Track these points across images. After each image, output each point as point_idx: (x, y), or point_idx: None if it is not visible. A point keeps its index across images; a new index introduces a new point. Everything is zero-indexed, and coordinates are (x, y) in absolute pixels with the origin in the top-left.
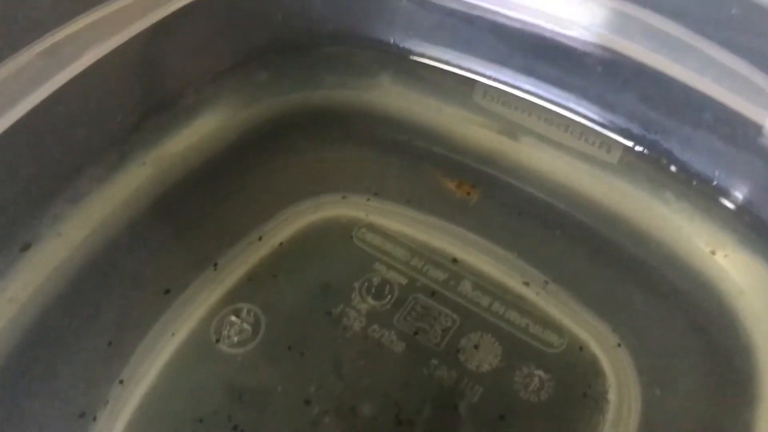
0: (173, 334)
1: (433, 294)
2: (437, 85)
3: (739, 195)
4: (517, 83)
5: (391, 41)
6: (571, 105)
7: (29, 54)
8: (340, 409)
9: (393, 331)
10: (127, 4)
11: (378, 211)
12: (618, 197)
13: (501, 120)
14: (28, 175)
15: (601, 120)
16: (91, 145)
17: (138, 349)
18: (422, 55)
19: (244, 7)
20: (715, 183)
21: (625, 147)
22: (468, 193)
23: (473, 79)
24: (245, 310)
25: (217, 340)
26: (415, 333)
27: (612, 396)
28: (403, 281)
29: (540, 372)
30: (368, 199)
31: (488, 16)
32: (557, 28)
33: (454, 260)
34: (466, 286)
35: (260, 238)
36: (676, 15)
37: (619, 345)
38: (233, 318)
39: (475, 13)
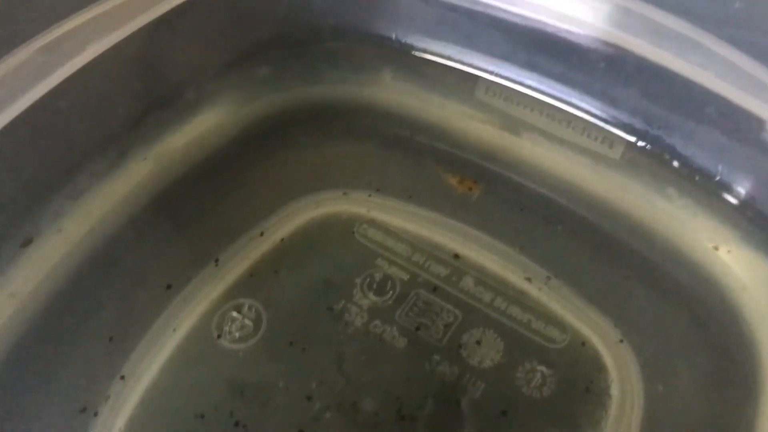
0: (174, 330)
1: (435, 290)
2: (439, 81)
3: (742, 190)
4: (519, 79)
5: (393, 37)
6: (574, 100)
7: (30, 49)
8: (341, 405)
9: (395, 326)
10: (128, 0)
11: (380, 207)
12: (620, 193)
13: (503, 116)
14: (28, 170)
15: (603, 115)
16: (92, 140)
17: (139, 345)
18: (424, 51)
19: (245, 3)
20: (718, 178)
21: (628, 142)
22: (470, 189)
23: (475, 75)
24: (247, 306)
25: (219, 336)
26: (417, 329)
27: (614, 391)
28: (405, 277)
29: (542, 368)
30: (370, 195)
31: (490, 11)
32: (560, 24)
33: (456, 256)
34: (468, 282)
35: (262, 234)
36: (679, 10)
37: (621, 341)
38: (235, 314)
39: (478, 8)
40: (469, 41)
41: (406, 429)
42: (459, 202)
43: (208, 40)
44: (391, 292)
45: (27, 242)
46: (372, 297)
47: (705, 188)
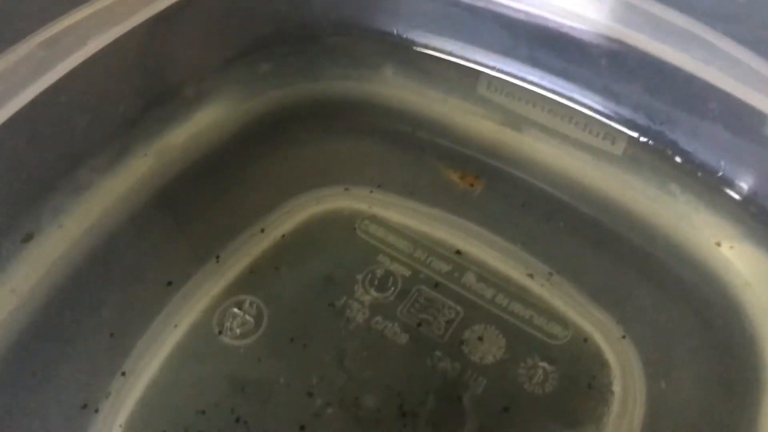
0: (175, 326)
1: (436, 286)
2: (441, 77)
3: (744, 186)
4: (521, 74)
5: (395, 32)
6: (576, 96)
7: (30, 44)
8: (343, 401)
9: (396, 322)
10: None
11: (381, 203)
12: (622, 189)
13: (505, 111)
14: (28, 166)
15: (605, 111)
16: (93, 136)
17: (140, 341)
18: (426, 46)
19: None
20: (720, 174)
21: (630, 138)
22: (471, 185)
23: (477, 70)
24: (248, 302)
25: (220, 332)
26: (419, 325)
27: (617, 388)
28: (407, 273)
29: (544, 364)
30: (371, 191)
31: (492, 6)
32: (562, 19)
33: (458, 252)
34: (469, 278)
35: (263, 230)
36: (682, 5)
37: (623, 337)
38: (236, 310)
39: (479, 3)
40: (471, 37)
41: (407, 425)
42: (461, 198)
43: (208, 36)
44: (392, 288)
45: (27, 238)
46: (373, 293)
47: (707, 184)
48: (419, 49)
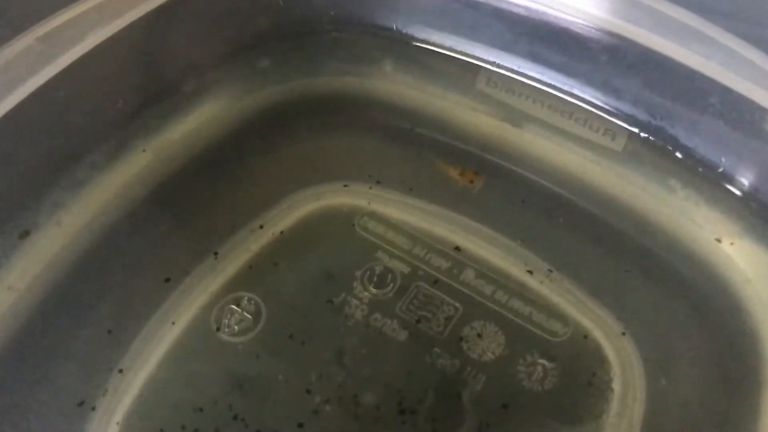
0: (173, 323)
1: (435, 282)
2: (440, 72)
3: (745, 181)
4: (521, 69)
5: (394, 27)
6: (576, 91)
7: (29, 39)
8: (341, 398)
9: (395, 319)
10: None
11: (380, 200)
12: (622, 185)
13: (505, 107)
14: (26, 161)
15: (606, 106)
16: (91, 131)
17: (138, 338)
18: (425, 41)
19: None
20: (721, 169)
21: (630, 133)
22: (471, 181)
23: (477, 66)
24: (246, 299)
25: (218, 329)
26: (418, 321)
27: (617, 385)
28: (406, 270)
29: (544, 361)
30: (370, 187)
31: (492, 1)
32: (562, 14)
33: (457, 248)
34: (468, 275)
35: (261, 227)
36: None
37: (623, 333)
38: (234, 307)
39: None
40: (471, 32)
41: (406, 422)
42: (460, 194)
43: (207, 31)
44: (391, 284)
45: (25, 234)
46: (372, 290)
47: (708, 180)
48: (419, 44)
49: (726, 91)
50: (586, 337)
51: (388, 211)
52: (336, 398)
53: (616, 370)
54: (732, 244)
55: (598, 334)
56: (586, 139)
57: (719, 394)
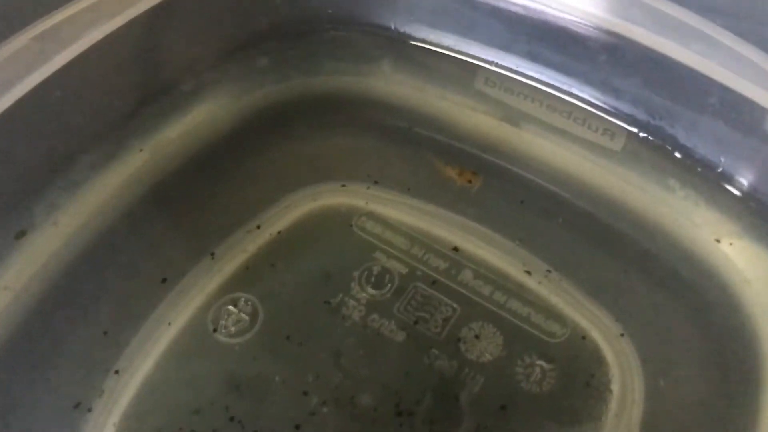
0: (170, 324)
1: (433, 283)
2: (438, 71)
3: (744, 181)
4: (519, 69)
5: (392, 26)
6: (575, 91)
7: (25, 38)
8: (339, 400)
9: (393, 320)
10: None
11: (378, 200)
12: (621, 184)
13: (503, 106)
14: (23, 161)
15: (604, 106)
16: (88, 131)
17: (134, 339)
18: (423, 41)
19: None
20: (720, 169)
21: (629, 133)
22: (469, 181)
23: (475, 65)
24: (243, 300)
25: (215, 330)
26: (416, 322)
27: (615, 386)
28: (404, 270)
29: (542, 362)
30: (368, 187)
31: (491, 0)
32: (560, 13)
33: (455, 249)
34: (467, 275)
35: (258, 227)
36: None
37: (622, 335)
38: (231, 307)
39: None
40: (469, 31)
41: (403, 424)
42: (458, 194)
43: (205, 31)
44: (389, 285)
45: (21, 234)
46: (370, 290)
47: (707, 180)
48: (417, 43)
49: (726, 90)
50: (584, 338)
51: (386, 211)
52: (333, 399)
53: (614, 371)
54: (731, 244)
55: (596, 334)
56: (585, 139)
57: (718, 394)
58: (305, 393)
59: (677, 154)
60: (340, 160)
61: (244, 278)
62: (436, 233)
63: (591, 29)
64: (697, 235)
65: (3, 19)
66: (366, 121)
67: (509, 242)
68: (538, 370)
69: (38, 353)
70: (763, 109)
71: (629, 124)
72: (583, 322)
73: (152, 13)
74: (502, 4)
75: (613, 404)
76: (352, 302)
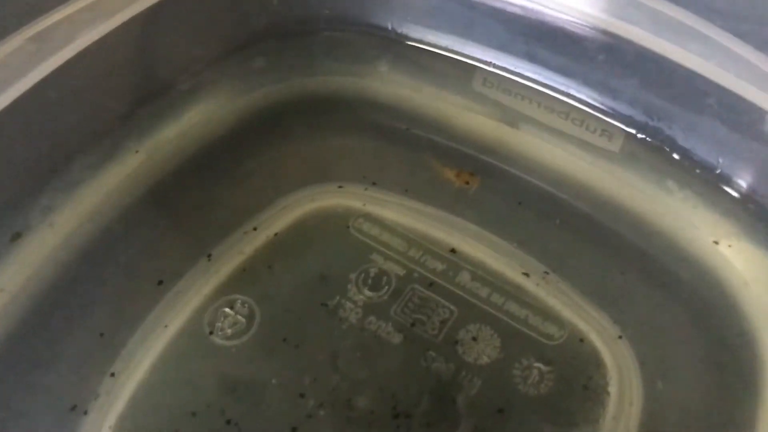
0: (166, 326)
1: (431, 285)
2: (436, 72)
3: (743, 183)
4: (517, 69)
5: (389, 26)
6: (572, 92)
7: (20, 38)
8: (335, 402)
9: (390, 322)
10: None
11: (375, 201)
12: (619, 186)
13: (501, 107)
14: (18, 163)
15: (602, 107)
16: (84, 131)
17: (130, 342)
18: (420, 41)
19: None
20: (718, 171)
21: (627, 134)
22: (467, 183)
23: (473, 66)
24: (239, 302)
25: (211, 332)
26: (413, 325)
27: (613, 389)
28: (401, 272)
29: (540, 364)
30: (365, 189)
31: (488, 0)
32: (558, 13)
33: (453, 251)
34: (464, 277)
35: (255, 228)
36: None
37: (620, 337)
38: (227, 310)
39: None
40: (467, 31)
41: (400, 426)
42: (456, 195)
43: (201, 31)
44: (386, 287)
45: (16, 236)
46: (367, 292)
47: (705, 181)
48: (414, 43)
49: (724, 91)
50: (582, 340)
51: (383, 212)
52: (330, 402)
53: (612, 374)
54: (730, 246)
55: (594, 337)
56: (583, 140)
57: (716, 396)
58: (302, 395)
59: (675, 156)
60: (337, 161)
61: (241, 280)
62: (434, 235)
63: (589, 30)
64: (695, 237)
65: None
66: (363, 122)
67: (507, 244)
68: (535, 372)
69: (34, 356)
70: (761, 110)
71: (627, 125)
72: (581, 325)
73: (148, 13)
74: (499, 5)
75: (611, 407)
76: (349, 304)
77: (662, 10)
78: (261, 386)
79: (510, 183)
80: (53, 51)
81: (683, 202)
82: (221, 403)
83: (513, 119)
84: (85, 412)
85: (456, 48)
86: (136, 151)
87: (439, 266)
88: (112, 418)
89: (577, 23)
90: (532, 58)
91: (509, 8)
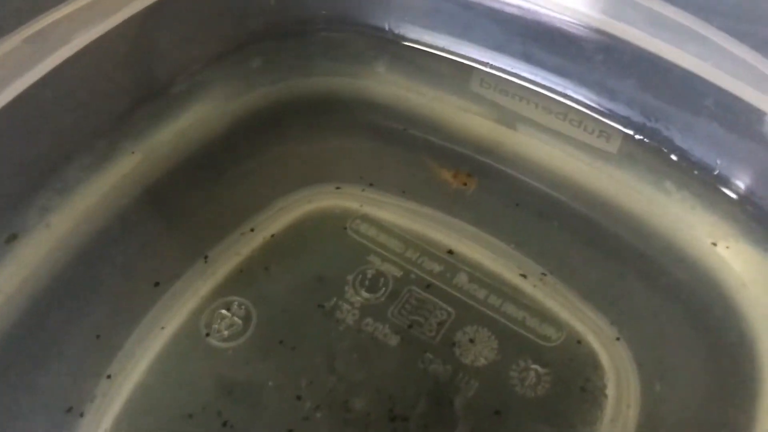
0: (163, 328)
1: (428, 286)
2: (433, 73)
3: (741, 184)
4: (514, 70)
5: (386, 27)
6: (570, 92)
7: (16, 39)
8: (332, 404)
9: (387, 324)
10: None
11: (372, 202)
12: (617, 187)
13: (498, 108)
14: (14, 164)
15: (600, 107)
16: (80, 133)
17: (127, 343)
18: (418, 42)
19: None
20: (716, 172)
21: (625, 135)
22: (465, 184)
23: (470, 66)
24: (236, 304)
25: (208, 334)
26: (410, 326)
27: (610, 390)
28: (398, 273)
29: (537, 366)
30: (363, 190)
31: (485, 1)
32: (556, 14)
33: (450, 252)
34: (461, 279)
35: (252, 230)
36: None
37: (617, 338)
38: (224, 311)
39: None
40: (464, 31)
41: (398, 429)
42: (453, 197)
43: (198, 31)
44: (383, 288)
45: (12, 237)
46: (364, 294)
47: (703, 182)
48: (411, 44)
49: (722, 92)
50: (579, 342)
51: (380, 213)
52: (326, 404)
53: (609, 376)
54: (728, 247)
55: (591, 338)
56: (580, 141)
57: (714, 399)
58: (298, 397)
59: (673, 157)
60: (334, 162)
61: (238, 282)
62: (431, 236)
63: (586, 30)
64: (693, 238)
65: None
66: (360, 123)
67: (504, 245)
68: (533, 374)
69: (30, 357)
70: (759, 111)
71: (625, 126)
72: (579, 326)
73: (145, 14)
74: (496, 5)
75: (609, 409)
76: (346, 306)
77: (659, 10)
78: (258, 388)
79: (507, 184)
80: (49, 51)
81: (681, 203)
82: (218, 405)
83: (510, 120)
84: (81, 414)
85: (453, 49)
86: (133, 152)
87: (437, 268)
88: (108, 420)
89: (574, 24)
90: (529, 58)
91: (506, 9)
